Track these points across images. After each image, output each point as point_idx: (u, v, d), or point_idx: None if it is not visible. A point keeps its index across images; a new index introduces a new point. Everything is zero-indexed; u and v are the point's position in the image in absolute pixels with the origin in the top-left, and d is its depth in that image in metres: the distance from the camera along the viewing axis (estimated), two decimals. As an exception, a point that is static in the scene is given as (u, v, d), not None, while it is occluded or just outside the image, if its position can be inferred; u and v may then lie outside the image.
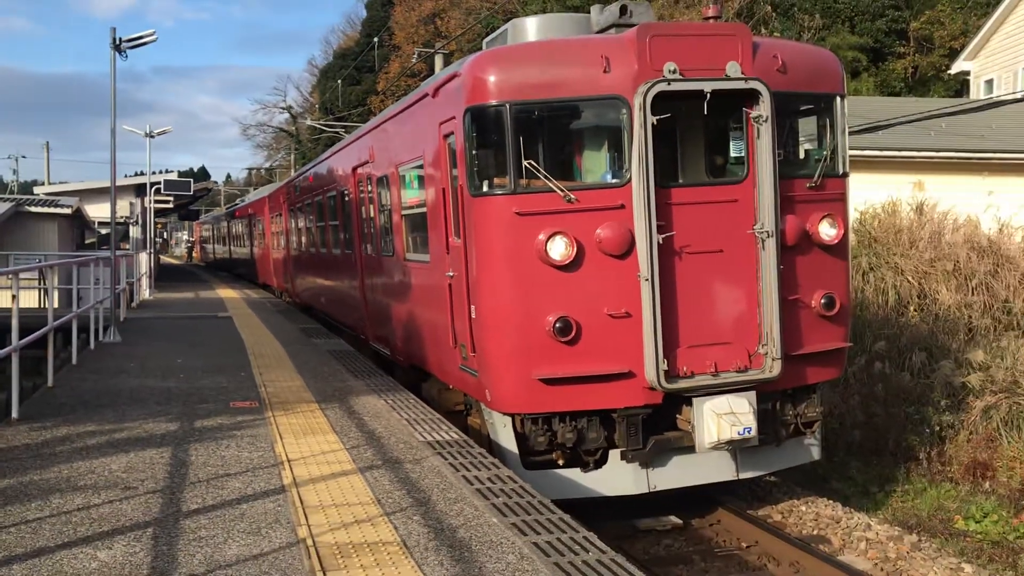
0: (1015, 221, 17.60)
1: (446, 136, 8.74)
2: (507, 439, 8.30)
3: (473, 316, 8.29)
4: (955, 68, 29.86)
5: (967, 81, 29.77)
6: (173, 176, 33.49)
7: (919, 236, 16.69)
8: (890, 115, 19.38)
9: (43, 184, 43.97)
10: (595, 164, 8.40)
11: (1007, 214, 17.70)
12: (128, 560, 5.04)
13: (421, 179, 10.03)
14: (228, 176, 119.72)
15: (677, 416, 8.23)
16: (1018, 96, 23.42)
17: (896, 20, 36.89)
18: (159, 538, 5.38)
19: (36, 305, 21.39)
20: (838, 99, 8.70)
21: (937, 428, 12.10)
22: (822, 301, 8.42)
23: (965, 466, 11.40)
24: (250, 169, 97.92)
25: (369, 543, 5.32)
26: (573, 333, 7.73)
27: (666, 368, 7.76)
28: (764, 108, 7.95)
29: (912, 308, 15.65)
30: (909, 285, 15.93)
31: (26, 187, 53.99)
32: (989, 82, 27.67)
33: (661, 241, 7.76)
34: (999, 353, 13.46)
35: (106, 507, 5.94)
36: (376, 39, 53.23)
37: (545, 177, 7.77)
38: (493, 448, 8.45)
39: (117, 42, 15.72)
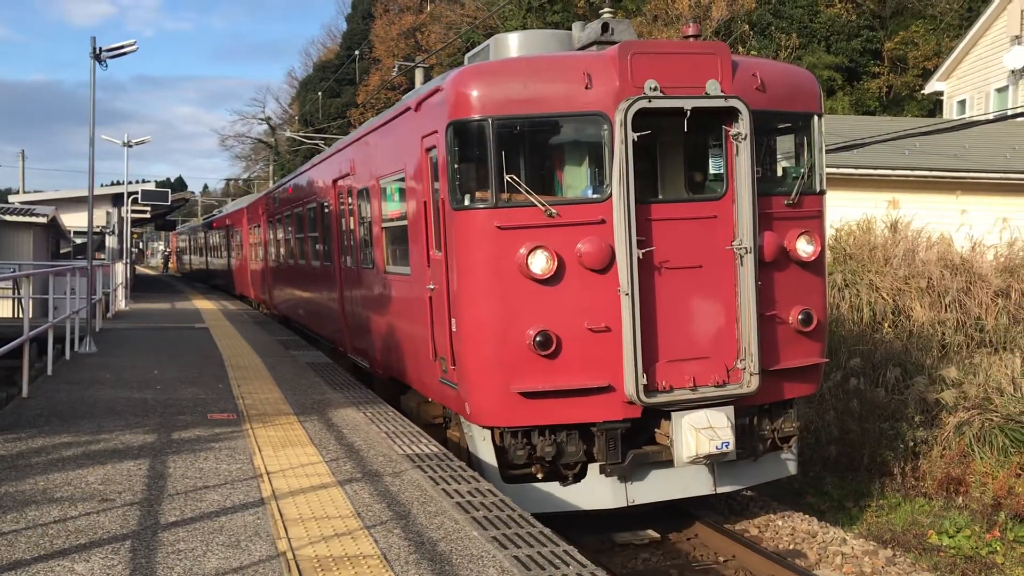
0: (987, 239, 17.88)
1: (428, 150, 8.77)
2: (486, 452, 8.31)
3: (453, 329, 8.31)
4: (928, 88, 30.33)
5: (940, 101, 30.24)
6: (150, 186, 33.28)
7: (893, 253, 16.91)
8: (865, 134, 19.62)
9: (18, 192, 43.50)
10: (576, 179, 8.46)
11: (979, 232, 17.98)
12: (106, 573, 5.00)
13: (402, 192, 10.05)
14: (205, 187, 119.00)
15: (656, 430, 8.28)
16: (990, 117, 23.80)
17: (871, 40, 37.46)
18: (137, 551, 5.34)
19: (10, 315, 21.15)
20: (815, 118, 8.83)
21: (911, 444, 12.22)
22: (799, 317, 8.52)
23: (939, 481, 11.52)
24: (228, 180, 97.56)
25: (349, 556, 5.31)
26: (553, 347, 7.77)
27: (645, 382, 7.81)
28: (743, 126, 8.06)
29: (886, 324, 15.83)
30: (884, 302, 16.10)
31: (0, 195, 53.35)
32: (962, 102, 28.11)
33: (641, 256, 7.83)
34: (972, 370, 13.64)
35: (83, 519, 5.89)
36: (357, 52, 53.30)
37: (526, 192, 7.82)
38: (472, 461, 8.46)
39: (97, 51, 15.62)
